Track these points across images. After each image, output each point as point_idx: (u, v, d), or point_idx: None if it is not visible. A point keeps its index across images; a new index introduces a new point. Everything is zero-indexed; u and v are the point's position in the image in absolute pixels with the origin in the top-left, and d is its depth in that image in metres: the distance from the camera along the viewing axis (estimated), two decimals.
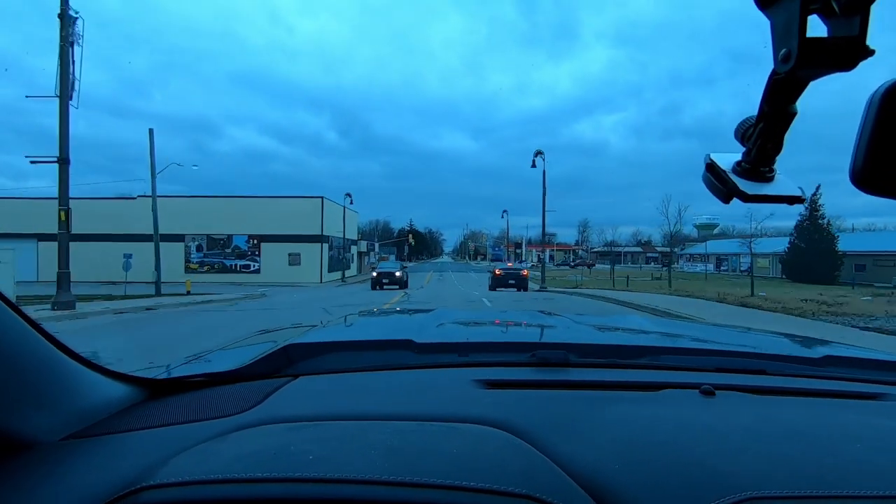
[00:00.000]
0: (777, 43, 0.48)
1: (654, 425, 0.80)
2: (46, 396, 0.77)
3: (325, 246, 38.43)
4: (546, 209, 28.06)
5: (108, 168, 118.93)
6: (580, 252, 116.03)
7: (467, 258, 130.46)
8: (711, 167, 0.62)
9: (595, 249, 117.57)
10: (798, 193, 0.60)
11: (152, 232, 22.71)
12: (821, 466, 0.68)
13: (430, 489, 0.60)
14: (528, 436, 0.73)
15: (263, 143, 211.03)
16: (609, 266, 57.51)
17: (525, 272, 24.49)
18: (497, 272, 24.06)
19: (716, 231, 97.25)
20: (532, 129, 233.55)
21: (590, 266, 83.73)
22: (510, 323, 1.96)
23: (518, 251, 73.16)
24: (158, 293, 21.73)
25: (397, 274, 28.57)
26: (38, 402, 0.75)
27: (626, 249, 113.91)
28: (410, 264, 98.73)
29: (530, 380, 1.02)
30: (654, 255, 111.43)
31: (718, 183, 0.61)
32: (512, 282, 23.07)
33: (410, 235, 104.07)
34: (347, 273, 46.80)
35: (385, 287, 27.58)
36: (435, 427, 0.77)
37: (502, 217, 51.80)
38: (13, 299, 0.71)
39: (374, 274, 29.32)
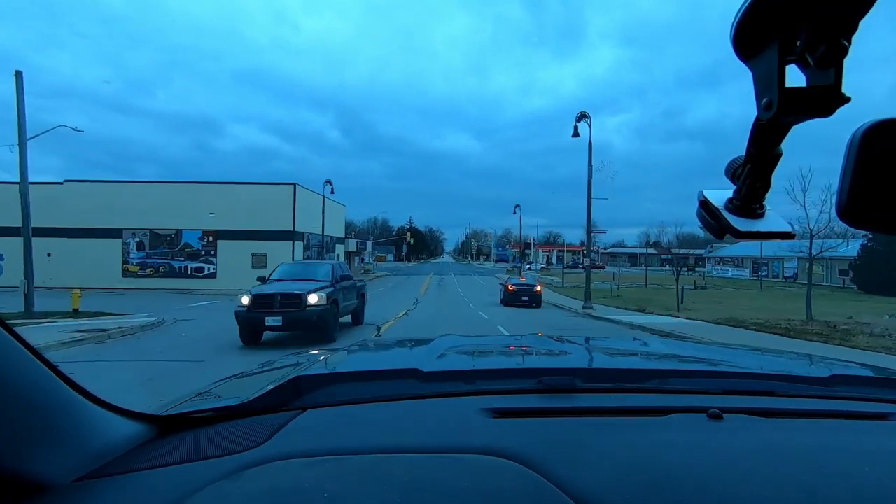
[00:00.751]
0: (759, 92, 0.50)
1: (663, 452, 0.80)
2: (58, 436, 0.75)
3: (300, 244, 31.17)
4: (591, 196, 21.73)
5: (111, 165, 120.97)
6: (591, 254, 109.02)
7: (469, 258, 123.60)
8: (705, 204, 0.64)
9: (606, 250, 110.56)
10: (788, 229, 0.62)
11: (84, 225, 15.52)
12: (832, 493, 0.68)
13: None
14: (538, 466, 0.74)
15: (266, 140, 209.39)
16: (617, 269, 51.94)
17: (538, 288, 22.29)
18: (510, 287, 21.87)
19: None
20: (535, 131, 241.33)
21: (600, 268, 77.21)
22: (516, 348, 1.96)
23: (527, 251, 65.74)
24: (28, 311, 14.66)
25: (311, 299, 10.55)
26: (50, 441, 0.73)
27: (634, 251, 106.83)
28: (409, 264, 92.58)
29: (537, 407, 1.03)
30: (667, 256, 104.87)
31: (712, 220, 0.63)
32: (525, 298, 21.34)
33: (409, 234, 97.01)
34: None
35: (274, 331, 10.69)
36: (446, 459, 0.78)
37: (514, 213, 44.43)
38: None
39: (245, 302, 10.41)
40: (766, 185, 0.59)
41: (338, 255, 41.33)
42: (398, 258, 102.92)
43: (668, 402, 1.03)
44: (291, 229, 30.08)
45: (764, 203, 0.61)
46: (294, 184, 30.59)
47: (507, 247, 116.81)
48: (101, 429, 0.83)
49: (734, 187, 0.61)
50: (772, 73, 0.49)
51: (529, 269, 60.22)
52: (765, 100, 0.49)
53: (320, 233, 34.16)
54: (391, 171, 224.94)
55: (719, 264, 67.25)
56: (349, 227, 77.80)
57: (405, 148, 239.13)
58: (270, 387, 1.09)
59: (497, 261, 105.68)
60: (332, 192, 34.71)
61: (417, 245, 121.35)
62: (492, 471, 0.74)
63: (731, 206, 0.62)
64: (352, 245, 45.73)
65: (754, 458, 0.77)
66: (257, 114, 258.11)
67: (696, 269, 72.59)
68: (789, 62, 0.48)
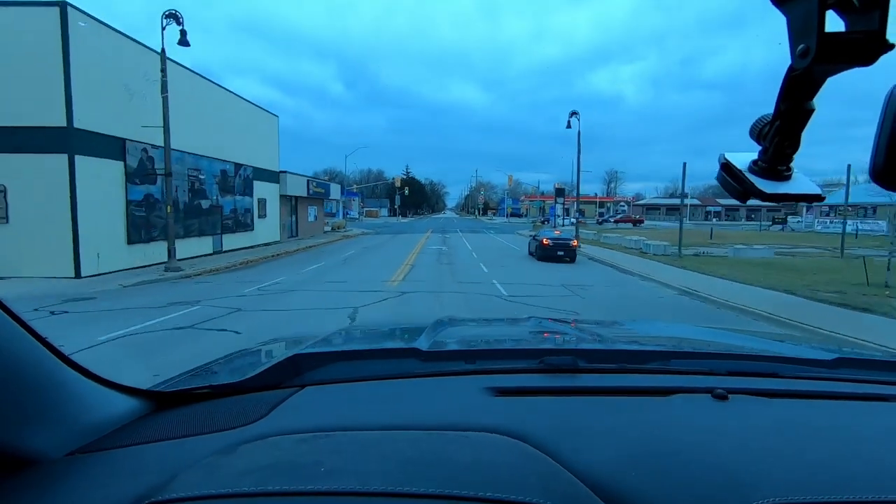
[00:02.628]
0: (794, 39, 0.47)
1: (668, 431, 0.79)
2: (51, 411, 0.75)
3: (90, 162, 12.98)
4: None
5: None
6: (621, 206, 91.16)
7: (477, 213, 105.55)
8: (727, 167, 0.61)
9: (639, 202, 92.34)
10: (817, 191, 0.59)
11: None
12: (842, 470, 0.68)
13: (450, 500, 0.58)
14: (541, 444, 0.74)
15: (266, 94, 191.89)
16: (660, 223, 38.06)
17: (574, 242, 19.63)
18: (545, 242, 19.29)
19: None
20: (545, 81, 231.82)
21: (637, 223, 60.03)
22: (517, 329, 1.93)
23: (559, 203, 47.62)
24: None
25: None
26: (43, 417, 0.73)
27: (670, 201, 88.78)
28: (404, 220, 75.91)
29: (540, 387, 1.02)
30: (716, 208, 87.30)
31: (735, 182, 0.60)
32: (561, 253, 19.04)
33: (400, 181, 79.17)
34: (255, 241, 22.31)
35: None
36: (448, 436, 0.77)
37: (568, 126, 26.29)
38: None
39: None
40: (796, 145, 0.55)
41: (260, 201, 23.52)
42: (392, 213, 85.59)
43: (671, 383, 1.01)
44: (65, 124, 12.22)
45: (791, 165, 0.58)
46: (64, 3, 11.93)
47: (522, 199, 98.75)
48: (94, 404, 0.84)
49: (758, 149, 0.58)
50: (810, 16, 0.44)
51: (562, 223, 42.85)
52: (801, 47, 0.46)
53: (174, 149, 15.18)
54: (395, 125, 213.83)
55: (828, 216, 49.17)
56: (335, 178, 62.72)
57: (410, 101, 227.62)
58: (269, 364, 1.08)
59: (511, 215, 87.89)
60: (186, 45, 13.46)
61: (415, 197, 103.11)
62: (494, 448, 0.73)
63: (756, 168, 0.59)
64: (299, 187, 27.71)
65: (762, 436, 0.77)
66: (256, 65, 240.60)
67: (781, 223, 54.77)
68: (829, 5, 0.44)
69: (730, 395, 0.92)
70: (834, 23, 0.45)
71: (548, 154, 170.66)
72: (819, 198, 0.59)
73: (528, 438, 0.75)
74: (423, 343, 1.26)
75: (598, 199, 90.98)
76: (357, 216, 74.22)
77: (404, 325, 1.96)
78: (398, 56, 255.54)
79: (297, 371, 1.07)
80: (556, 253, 18.93)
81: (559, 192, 50.48)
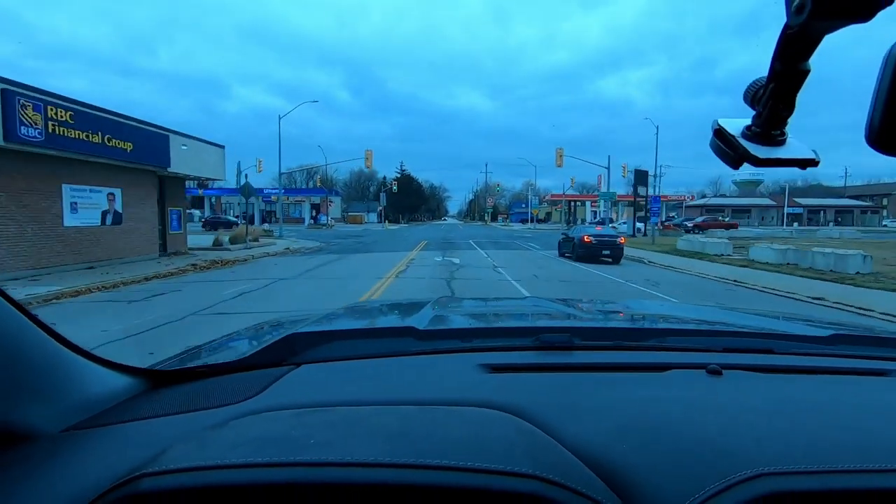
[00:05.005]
0: None
1: (661, 405, 0.79)
2: (46, 388, 0.77)
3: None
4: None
5: None
6: (655, 206, 71.30)
7: (486, 218, 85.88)
8: (720, 133, 0.60)
9: (706, 203, 72.07)
10: (811, 156, 0.58)
11: None
12: (835, 441, 0.68)
13: (434, 470, 0.59)
14: (534, 418, 0.74)
15: (272, 102, 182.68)
16: (751, 228, 32.72)
17: (622, 239, 16.91)
18: (586, 239, 16.37)
19: (760, 188, 76.43)
20: (553, 87, 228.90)
21: (728, 227, 41.28)
22: (513, 309, 1.95)
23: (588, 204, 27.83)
24: None
25: None
26: (38, 394, 0.75)
27: (749, 201, 69.34)
28: (393, 227, 55.61)
29: (535, 363, 1.02)
30: (795, 209, 67.92)
31: (728, 149, 0.59)
32: (606, 252, 16.30)
33: (396, 182, 60.14)
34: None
35: None
36: (439, 411, 0.77)
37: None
38: None
39: None
40: (790, 108, 0.54)
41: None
42: (384, 218, 66.26)
43: (666, 359, 1.01)
44: None
45: (785, 130, 0.57)
46: None
47: (545, 199, 78.88)
48: (91, 382, 0.85)
49: (752, 114, 0.57)
50: None
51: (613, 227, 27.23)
52: (796, 1, 0.44)
53: None
54: (400, 132, 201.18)
55: None
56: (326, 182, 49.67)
57: (416, 107, 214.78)
58: (266, 343, 1.09)
59: (536, 220, 67.99)
60: None
61: (411, 199, 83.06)
62: (485, 421, 0.73)
63: (750, 133, 0.58)
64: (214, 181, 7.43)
65: (756, 411, 0.77)
66: (263, 73, 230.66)
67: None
68: None
69: (724, 371, 0.92)
70: None
71: (552, 159, 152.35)
72: (814, 162, 0.58)
73: (522, 413, 0.75)
74: (420, 322, 1.26)
75: (667, 199, 71.59)
76: (326, 222, 54.88)
77: (405, 302, 2.03)
78: (406, 61, 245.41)
79: (293, 350, 1.07)
80: (602, 252, 15.86)
81: (639, 179, 30.63)
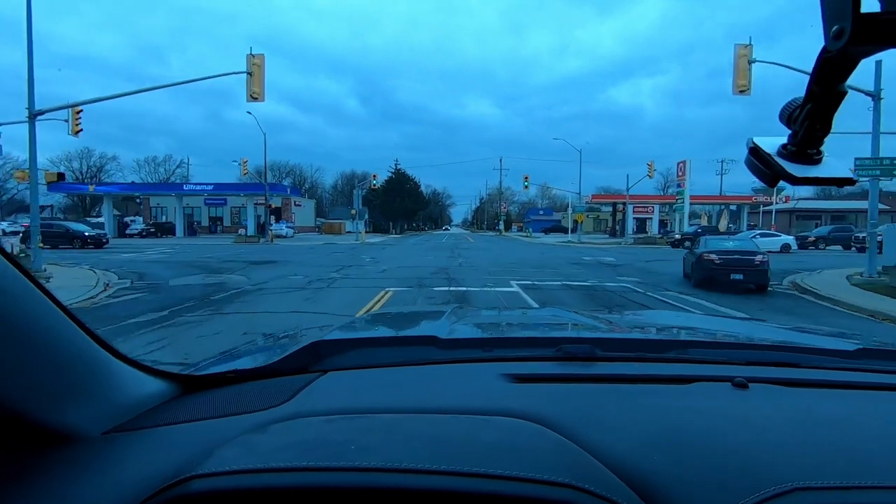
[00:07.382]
0: (828, 19, 0.45)
1: (688, 417, 0.79)
2: (87, 391, 0.77)
3: None
4: None
5: (123, 139, 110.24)
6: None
7: (503, 227, 70.91)
8: (755, 151, 0.60)
9: (795, 208, 55.64)
10: (848, 175, 0.58)
11: None
12: (866, 457, 0.67)
13: (475, 478, 0.60)
14: (562, 428, 0.74)
15: (281, 111, 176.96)
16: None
17: (762, 258, 12.28)
18: (714, 259, 12.06)
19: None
20: (564, 96, 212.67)
21: None
22: (533, 319, 1.96)
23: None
24: None
25: None
26: (79, 396, 0.76)
27: (819, 205, 53.61)
28: (373, 241, 39.59)
29: (558, 374, 1.02)
30: None
31: (764, 167, 0.60)
32: (739, 277, 11.81)
33: (374, 177, 44.88)
34: None
35: None
36: (469, 420, 0.78)
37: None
38: None
39: None
40: (827, 128, 0.54)
41: None
42: (378, 227, 50.57)
43: (690, 372, 1.00)
44: None
45: (821, 149, 0.57)
46: None
47: (588, 199, 63.11)
48: (127, 385, 0.86)
49: (787, 133, 0.58)
50: None
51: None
52: (835, 28, 0.43)
53: None
54: (409, 141, 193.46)
55: None
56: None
57: (425, 117, 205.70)
58: (292, 350, 1.11)
59: (556, 229, 51.80)
60: None
61: (405, 203, 70.16)
62: (517, 431, 0.74)
63: (785, 151, 0.58)
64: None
65: (785, 424, 0.77)
66: (273, 82, 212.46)
67: None
68: None
69: (750, 384, 0.91)
70: (868, 2, 0.42)
71: (561, 170, 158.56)
72: (850, 181, 0.59)
73: (549, 423, 0.75)
74: (441, 331, 1.27)
75: (659, 199, 56.00)
76: (284, 231, 39.21)
77: (425, 310, 2.09)
78: (416, 71, 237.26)
79: (319, 357, 1.10)
80: (733, 277, 11.68)
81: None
